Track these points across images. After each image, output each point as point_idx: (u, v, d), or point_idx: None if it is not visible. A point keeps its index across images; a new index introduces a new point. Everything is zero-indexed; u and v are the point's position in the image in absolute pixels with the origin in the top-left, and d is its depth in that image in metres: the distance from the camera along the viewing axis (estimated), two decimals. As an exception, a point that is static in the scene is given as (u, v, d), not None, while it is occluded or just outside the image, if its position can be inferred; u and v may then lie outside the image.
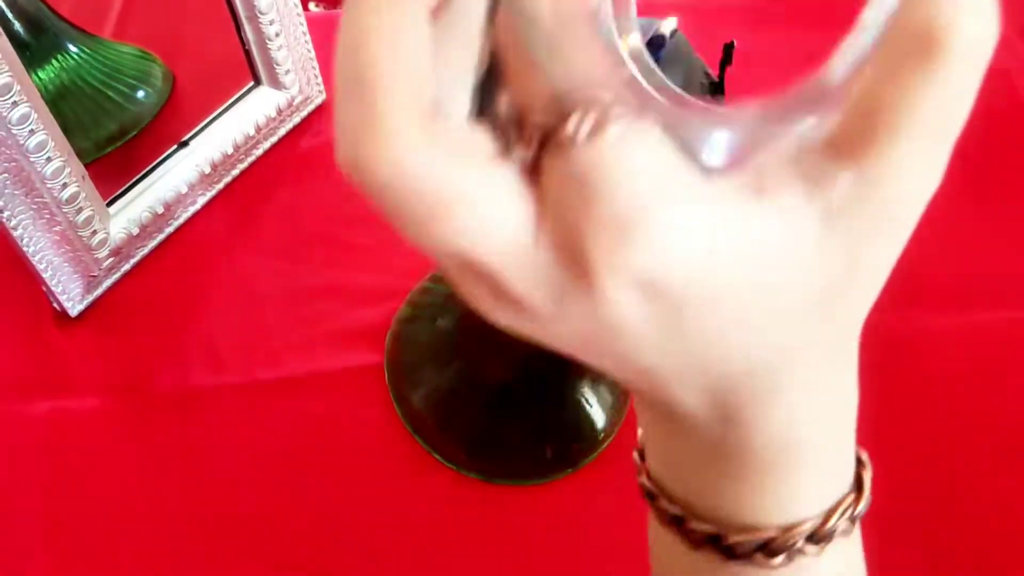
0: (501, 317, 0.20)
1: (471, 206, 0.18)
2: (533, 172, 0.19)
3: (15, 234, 0.49)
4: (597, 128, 0.17)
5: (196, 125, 0.60)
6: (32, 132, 0.46)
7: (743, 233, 0.19)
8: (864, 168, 0.19)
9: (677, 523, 0.25)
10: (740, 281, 0.19)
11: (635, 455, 0.27)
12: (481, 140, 0.19)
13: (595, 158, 0.18)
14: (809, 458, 0.24)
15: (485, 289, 0.20)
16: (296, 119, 0.64)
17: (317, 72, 0.63)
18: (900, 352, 0.59)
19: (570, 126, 0.18)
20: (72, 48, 0.58)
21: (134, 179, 0.57)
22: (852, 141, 0.19)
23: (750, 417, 0.22)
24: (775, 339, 0.21)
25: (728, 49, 0.33)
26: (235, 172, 0.61)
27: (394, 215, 0.18)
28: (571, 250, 0.18)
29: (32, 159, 0.47)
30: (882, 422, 0.56)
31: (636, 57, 0.21)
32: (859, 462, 0.26)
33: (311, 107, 0.64)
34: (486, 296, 0.20)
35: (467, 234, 0.18)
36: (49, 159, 0.48)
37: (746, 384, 0.22)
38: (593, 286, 0.18)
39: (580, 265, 0.18)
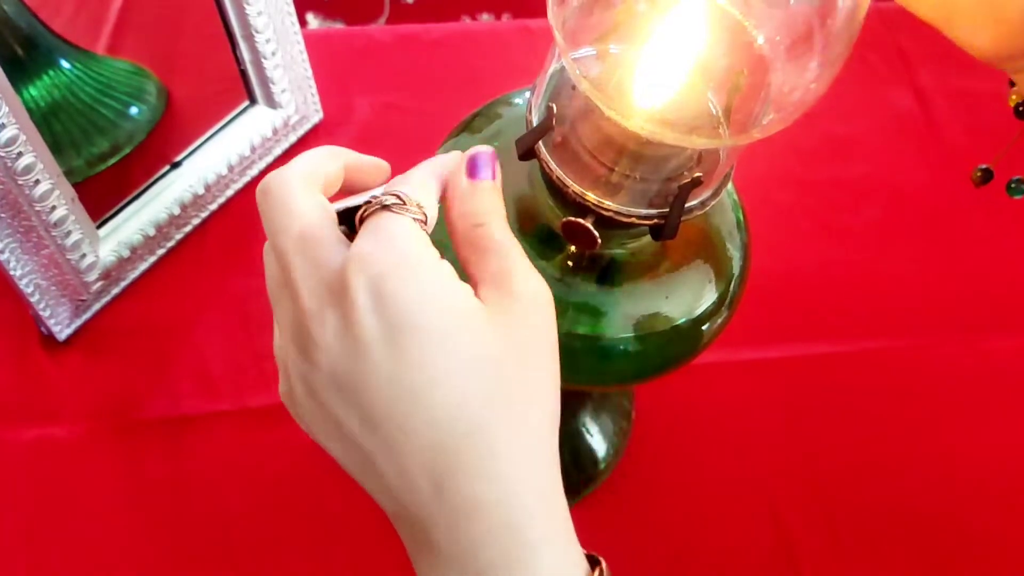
0: (294, 361, 0.29)
1: (303, 223, 0.29)
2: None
3: (2, 257, 0.48)
4: (394, 206, 0.29)
5: (190, 143, 0.59)
6: (20, 154, 0.45)
7: (454, 298, 0.28)
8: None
9: None
10: (451, 331, 0.27)
11: None
12: (332, 211, 0.30)
13: (383, 216, 0.28)
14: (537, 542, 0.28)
15: (288, 305, 0.29)
16: (292, 138, 0.62)
17: (314, 91, 0.62)
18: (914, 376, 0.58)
19: (374, 200, 0.29)
20: (65, 64, 0.57)
21: (125, 200, 0.56)
22: None
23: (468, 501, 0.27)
24: (476, 390, 0.27)
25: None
26: (229, 193, 0.60)
27: (269, 223, 0.29)
28: (342, 265, 0.27)
29: (19, 181, 0.46)
30: (888, 441, 0.55)
31: None
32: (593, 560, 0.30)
33: (308, 127, 0.63)
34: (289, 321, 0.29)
35: (292, 240, 0.28)
36: (37, 181, 0.46)
37: (462, 446, 0.27)
38: (345, 284, 0.27)
39: (343, 274, 0.27)
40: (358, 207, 0.30)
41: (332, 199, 0.31)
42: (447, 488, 0.27)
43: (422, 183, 0.30)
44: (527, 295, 0.29)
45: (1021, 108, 0.38)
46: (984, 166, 0.41)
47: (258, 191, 0.30)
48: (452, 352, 0.27)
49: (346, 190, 0.32)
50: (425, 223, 0.29)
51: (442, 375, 0.27)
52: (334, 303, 0.27)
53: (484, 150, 0.31)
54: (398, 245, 0.28)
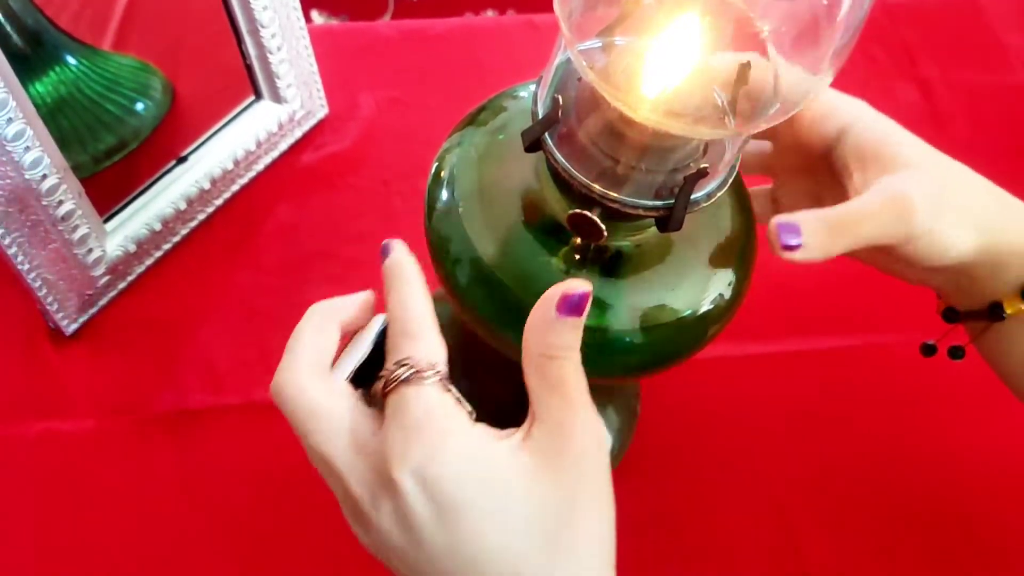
0: (354, 527, 0.31)
1: (329, 418, 0.30)
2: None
3: (9, 252, 0.48)
4: (412, 377, 0.29)
5: (196, 139, 0.59)
6: (27, 149, 0.45)
7: (493, 466, 0.29)
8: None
9: None
10: (497, 500, 0.28)
11: None
12: (349, 391, 0.31)
13: (405, 394, 0.29)
14: None
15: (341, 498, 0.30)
16: (297, 133, 0.62)
17: (319, 86, 0.62)
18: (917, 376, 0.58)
19: (391, 374, 0.30)
20: (71, 60, 0.57)
21: (132, 195, 0.56)
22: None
23: None
24: (528, 550, 0.28)
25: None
26: (235, 188, 0.60)
27: (296, 427, 0.30)
28: (382, 456, 0.29)
29: (27, 176, 0.46)
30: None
31: None
32: None
33: (313, 121, 0.63)
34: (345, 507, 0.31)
35: (324, 438, 0.30)
36: (45, 176, 0.47)
37: None
38: (391, 478, 0.28)
39: (386, 467, 0.28)
40: (366, 368, 0.31)
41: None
42: None
43: (422, 330, 0.31)
44: (580, 446, 0.29)
45: (948, 313, 0.43)
46: (930, 342, 0.46)
47: (272, 394, 0.31)
48: (502, 521, 0.28)
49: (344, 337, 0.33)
50: (443, 377, 0.30)
51: (495, 544, 0.28)
52: (384, 495, 0.29)
53: (583, 289, 0.29)
54: (429, 426, 0.29)
